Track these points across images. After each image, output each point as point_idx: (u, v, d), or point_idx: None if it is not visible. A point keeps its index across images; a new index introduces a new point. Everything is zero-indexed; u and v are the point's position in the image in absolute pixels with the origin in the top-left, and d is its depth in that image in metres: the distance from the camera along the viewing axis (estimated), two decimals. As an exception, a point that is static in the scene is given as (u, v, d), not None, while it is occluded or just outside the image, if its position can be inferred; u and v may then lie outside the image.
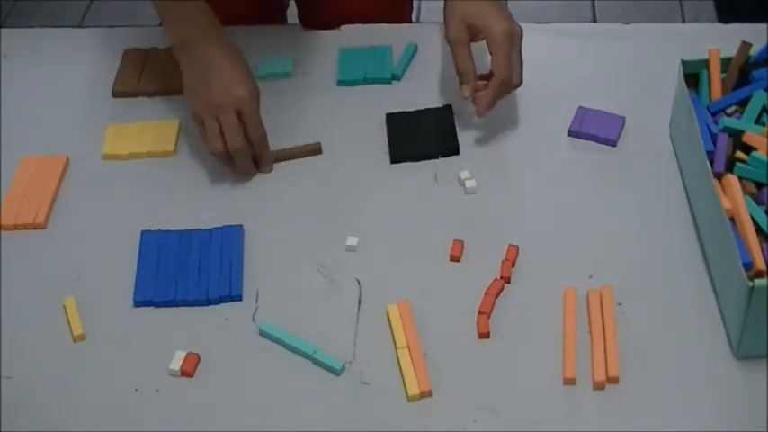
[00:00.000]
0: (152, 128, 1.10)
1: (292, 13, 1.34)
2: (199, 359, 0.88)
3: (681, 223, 0.97)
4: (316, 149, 1.07)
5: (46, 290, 0.94)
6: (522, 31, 1.02)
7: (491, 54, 1.01)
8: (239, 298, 0.93)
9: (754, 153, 0.91)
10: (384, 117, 1.09)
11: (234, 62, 1.02)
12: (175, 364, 0.87)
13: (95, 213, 1.02)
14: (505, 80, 1.01)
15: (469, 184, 1.01)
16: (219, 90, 1.00)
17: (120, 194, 1.04)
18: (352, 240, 0.96)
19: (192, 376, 0.87)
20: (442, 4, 1.07)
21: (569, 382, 0.85)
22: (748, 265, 0.83)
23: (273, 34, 1.22)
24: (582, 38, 1.20)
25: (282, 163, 1.06)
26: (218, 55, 1.02)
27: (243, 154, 1.01)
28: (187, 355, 0.87)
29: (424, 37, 1.19)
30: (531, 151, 1.05)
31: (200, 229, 0.98)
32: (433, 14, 1.27)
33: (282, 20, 1.35)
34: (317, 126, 1.10)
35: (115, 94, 1.15)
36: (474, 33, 1.03)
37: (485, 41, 1.02)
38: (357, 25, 1.23)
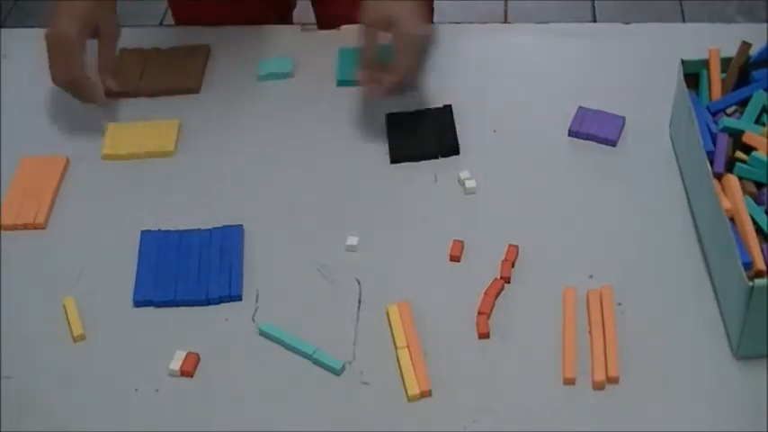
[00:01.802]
0: (152, 128, 1.10)
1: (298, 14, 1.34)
2: (199, 359, 0.88)
3: (681, 223, 0.97)
4: (191, 89, 1.12)
5: (46, 290, 0.94)
6: (431, 34, 1.02)
7: (395, 51, 1.01)
8: (239, 298, 0.93)
9: (754, 153, 0.91)
10: (384, 117, 1.09)
11: (71, 6, 1.05)
12: (175, 364, 0.87)
13: (95, 213, 1.02)
14: (398, 81, 1.01)
15: (469, 184, 1.01)
16: (50, 22, 1.04)
17: (120, 194, 1.04)
18: (352, 240, 0.96)
19: (191, 376, 0.87)
20: (444, 3, 1.06)
21: (569, 382, 0.85)
22: (748, 265, 0.83)
23: (273, 35, 1.22)
24: (582, 38, 1.20)
25: (282, 164, 1.06)
26: None
27: (60, 84, 1.06)
28: (187, 354, 0.87)
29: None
30: (531, 151, 1.05)
31: (199, 229, 0.98)
32: (438, 15, 1.27)
33: (288, 19, 1.34)
34: (316, 126, 1.10)
35: (108, 93, 1.15)
36: (386, 25, 1.02)
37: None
38: (357, 25, 1.22)
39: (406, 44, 1.00)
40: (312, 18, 1.34)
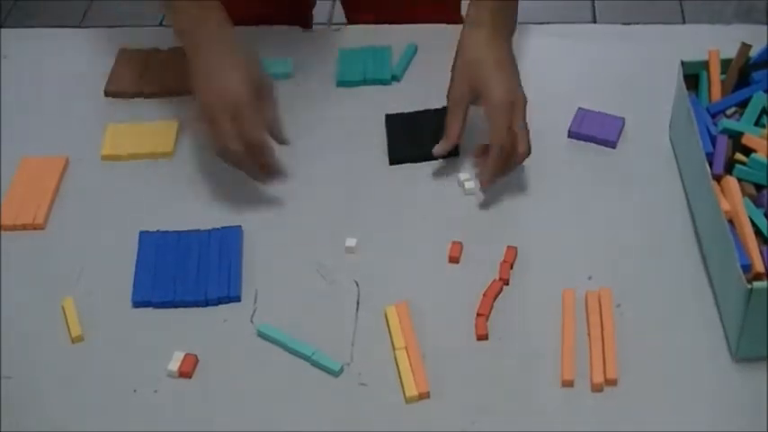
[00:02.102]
0: (151, 129, 1.10)
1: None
2: (197, 360, 0.88)
3: (680, 225, 0.97)
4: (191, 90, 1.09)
5: (45, 290, 0.94)
6: (525, 98, 0.98)
7: (488, 122, 0.97)
8: (238, 299, 0.93)
9: (753, 155, 0.91)
10: (383, 118, 1.09)
11: (234, 62, 0.97)
12: (174, 365, 0.87)
13: (94, 214, 1.02)
14: (503, 147, 0.96)
15: (469, 185, 1.01)
16: (213, 91, 0.96)
17: (120, 195, 1.04)
18: (351, 242, 0.96)
19: (190, 377, 0.87)
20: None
21: (567, 384, 0.85)
22: (747, 268, 0.83)
23: (273, 35, 1.21)
24: (582, 38, 1.20)
25: (282, 164, 1.06)
26: (219, 54, 0.98)
27: (239, 157, 0.96)
28: (185, 356, 0.87)
29: (423, 38, 1.18)
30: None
31: (198, 230, 0.98)
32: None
33: (308, 20, 1.33)
34: (316, 127, 1.10)
35: (107, 93, 1.15)
36: (475, 96, 0.98)
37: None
38: (357, 26, 1.23)
39: (500, 113, 0.95)
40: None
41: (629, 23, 1.23)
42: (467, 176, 1.02)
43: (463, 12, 1.23)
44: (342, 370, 0.86)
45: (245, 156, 0.96)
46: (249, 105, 0.96)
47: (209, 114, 0.96)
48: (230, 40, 0.99)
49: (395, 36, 1.19)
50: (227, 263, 0.95)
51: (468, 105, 0.99)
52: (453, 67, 1.00)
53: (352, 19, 1.31)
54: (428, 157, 1.05)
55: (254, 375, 0.87)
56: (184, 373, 0.87)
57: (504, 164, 0.97)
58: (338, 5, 1.34)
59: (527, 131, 0.97)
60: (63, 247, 0.99)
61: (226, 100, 0.95)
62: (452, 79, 1.00)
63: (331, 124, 1.10)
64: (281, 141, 0.99)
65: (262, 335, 0.90)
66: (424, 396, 0.84)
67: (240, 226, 0.99)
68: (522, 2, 1.05)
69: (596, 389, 0.84)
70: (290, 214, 1.01)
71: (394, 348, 0.88)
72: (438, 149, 1.00)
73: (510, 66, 0.99)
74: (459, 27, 1.18)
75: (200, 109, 0.97)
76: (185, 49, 1.00)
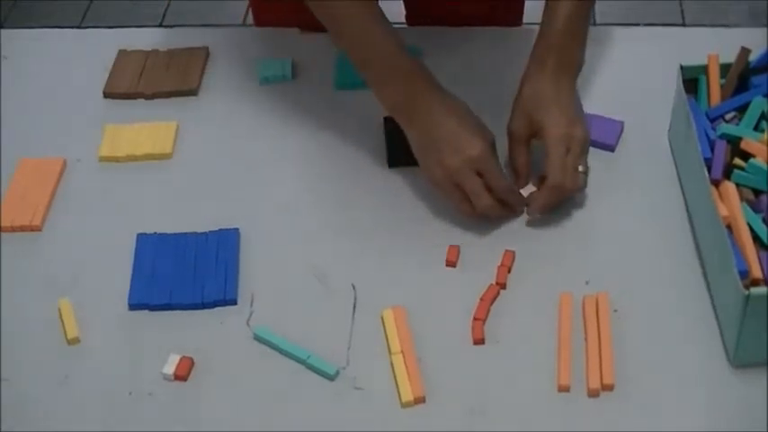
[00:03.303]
0: (150, 130, 1.10)
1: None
2: (192, 363, 0.87)
3: (678, 230, 0.96)
4: (190, 91, 1.12)
5: (41, 292, 0.94)
6: (585, 134, 0.97)
7: (546, 155, 0.96)
8: (234, 302, 0.93)
9: (752, 160, 0.91)
10: (382, 121, 1.09)
11: (459, 118, 0.96)
12: (169, 368, 0.87)
13: (92, 215, 1.02)
14: (558, 184, 0.95)
15: None
16: (451, 154, 0.94)
17: (117, 197, 1.04)
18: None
19: (185, 380, 0.87)
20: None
21: (564, 389, 0.84)
22: (744, 274, 0.83)
23: (272, 37, 1.21)
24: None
25: (279, 167, 1.06)
26: (442, 114, 0.95)
27: (493, 209, 0.96)
28: (181, 359, 0.87)
29: (426, 41, 1.18)
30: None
31: (196, 233, 0.98)
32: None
33: None
34: (314, 129, 1.10)
35: (106, 94, 1.15)
36: (534, 130, 0.98)
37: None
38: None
39: (556, 147, 0.95)
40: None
41: (628, 24, 1.22)
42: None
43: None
44: (337, 374, 0.86)
45: (497, 205, 0.96)
46: (492, 158, 0.96)
47: (457, 177, 0.94)
48: (447, 98, 0.97)
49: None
50: (223, 265, 0.95)
51: (529, 139, 0.99)
52: (515, 100, 1.01)
53: (413, 16, 1.31)
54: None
55: (249, 379, 0.87)
56: (179, 377, 0.87)
57: (555, 197, 0.97)
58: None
59: (578, 168, 0.96)
60: (60, 249, 0.99)
61: (472, 159, 0.94)
62: (513, 112, 1.00)
63: (329, 127, 1.10)
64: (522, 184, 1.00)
65: (258, 338, 0.89)
66: (419, 400, 0.84)
67: (237, 229, 0.98)
68: (524, 3, 1.05)
69: (593, 394, 0.84)
70: (287, 217, 1.00)
71: (390, 352, 0.87)
72: (520, 187, 1.00)
73: (569, 101, 0.99)
74: (463, 30, 1.19)
75: (443, 173, 0.95)
76: (403, 119, 0.98)
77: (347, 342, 0.89)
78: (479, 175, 0.94)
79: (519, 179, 1.00)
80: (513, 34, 1.20)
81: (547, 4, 1.02)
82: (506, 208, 0.97)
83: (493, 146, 0.96)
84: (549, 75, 0.99)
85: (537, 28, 1.10)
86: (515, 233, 0.97)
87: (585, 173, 0.98)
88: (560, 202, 0.98)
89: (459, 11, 1.21)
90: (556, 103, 0.97)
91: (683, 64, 0.99)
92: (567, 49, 1.00)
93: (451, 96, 0.98)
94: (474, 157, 0.94)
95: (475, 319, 0.89)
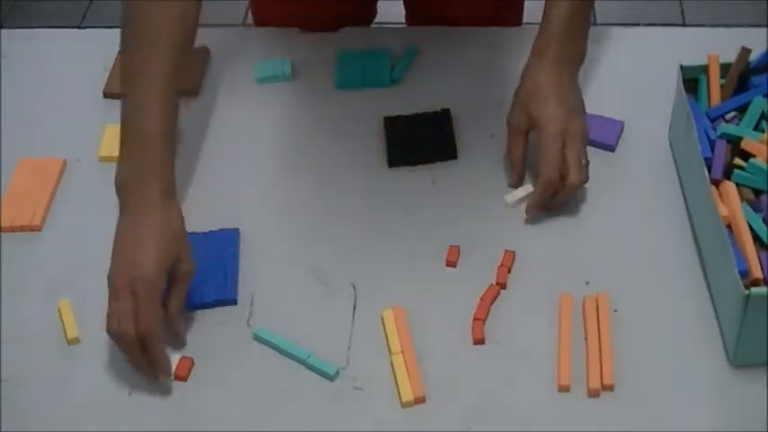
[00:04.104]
0: (150, 130, 1.10)
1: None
2: (192, 363, 0.87)
3: (678, 230, 0.96)
4: (190, 91, 1.11)
5: (41, 292, 0.94)
6: (582, 126, 0.96)
7: (540, 150, 0.96)
8: (234, 302, 0.93)
9: (752, 160, 0.91)
10: (382, 120, 1.09)
11: (156, 236, 0.86)
12: (173, 366, 0.86)
13: (91, 215, 1.02)
14: (550, 179, 0.94)
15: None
16: (115, 264, 0.86)
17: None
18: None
19: (185, 380, 0.87)
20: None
21: (564, 389, 0.84)
22: (744, 273, 0.83)
23: (272, 37, 1.21)
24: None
25: (279, 167, 1.06)
26: (145, 221, 0.87)
27: (125, 342, 0.84)
28: (181, 358, 0.87)
29: (423, 40, 1.18)
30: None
31: (195, 233, 0.98)
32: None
33: (372, 15, 1.32)
34: (315, 129, 1.09)
35: (106, 95, 1.15)
36: (531, 124, 0.98)
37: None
38: (356, 28, 1.22)
39: (551, 142, 0.94)
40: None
41: (628, 24, 1.22)
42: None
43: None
44: (337, 374, 0.86)
45: (134, 343, 0.84)
46: (159, 292, 0.85)
47: (119, 292, 0.84)
48: (167, 213, 0.89)
49: (394, 38, 1.19)
50: (223, 265, 0.95)
51: (526, 133, 0.99)
52: (515, 93, 1.00)
53: (413, 16, 1.31)
54: (427, 159, 1.05)
55: (249, 379, 0.87)
56: (179, 377, 0.86)
57: (552, 194, 0.96)
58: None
59: (579, 161, 0.95)
60: (60, 249, 0.99)
61: (133, 274, 0.84)
62: (512, 106, 1.00)
63: (330, 126, 1.10)
64: (173, 334, 0.88)
65: (258, 338, 0.89)
66: (419, 400, 0.84)
67: (237, 229, 0.98)
68: (524, 3, 1.05)
69: (593, 394, 0.84)
70: (287, 217, 1.00)
71: (390, 352, 0.87)
72: (511, 182, 1.00)
73: (568, 95, 0.98)
74: (461, 30, 1.19)
75: (109, 279, 0.86)
76: (119, 205, 0.90)
77: (347, 342, 0.89)
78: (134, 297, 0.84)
79: (514, 170, 1.00)
80: (512, 34, 1.20)
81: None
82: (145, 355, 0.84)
83: (157, 285, 0.84)
84: (548, 67, 0.98)
85: (536, 28, 1.10)
86: (515, 233, 0.97)
87: (587, 165, 0.98)
88: (565, 201, 0.98)
89: (459, 11, 1.21)
90: (554, 97, 0.97)
91: (683, 64, 0.99)
92: (567, 41, 1.00)
93: (171, 219, 0.89)
94: (137, 276, 0.84)
95: (475, 319, 0.89)
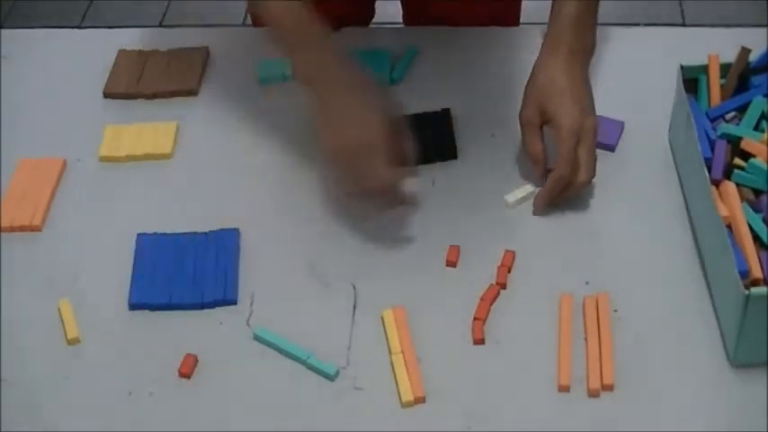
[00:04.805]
0: (150, 130, 1.10)
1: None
2: (196, 361, 0.87)
3: (679, 230, 0.96)
4: (190, 91, 1.12)
5: (41, 292, 0.94)
6: (595, 123, 0.96)
7: (557, 146, 0.96)
8: (234, 302, 0.93)
9: (752, 160, 0.91)
10: (382, 120, 1.09)
11: (362, 95, 0.95)
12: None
13: (91, 215, 1.02)
14: (563, 176, 0.95)
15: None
16: (341, 133, 0.93)
17: (117, 197, 1.04)
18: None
19: (189, 378, 0.87)
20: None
21: (564, 389, 0.84)
22: (745, 274, 0.83)
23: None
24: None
25: (279, 167, 1.06)
26: (342, 91, 0.95)
27: (371, 196, 0.95)
28: (185, 356, 0.87)
29: (423, 40, 1.18)
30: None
31: (195, 233, 0.98)
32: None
33: (370, 16, 1.33)
34: (314, 129, 1.09)
35: (106, 94, 1.15)
36: (545, 119, 0.98)
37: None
38: (356, 28, 1.22)
39: (567, 137, 0.94)
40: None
41: (628, 24, 1.22)
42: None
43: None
44: (337, 374, 0.86)
45: (376, 195, 0.95)
46: (384, 142, 0.92)
47: (347, 154, 0.93)
48: (355, 74, 0.96)
49: (394, 39, 1.19)
50: (223, 266, 0.95)
51: (540, 126, 0.99)
52: (526, 87, 1.00)
53: (411, 16, 1.31)
54: (426, 159, 1.05)
55: (249, 379, 0.87)
56: (184, 374, 0.86)
57: (562, 191, 0.97)
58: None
59: (591, 159, 0.96)
60: (60, 249, 0.99)
61: (363, 137, 0.92)
62: (524, 100, 1.00)
63: (329, 126, 1.09)
64: (411, 174, 0.97)
65: (258, 338, 0.89)
66: (419, 400, 0.84)
67: (237, 228, 0.98)
68: (522, 2, 1.05)
69: (593, 394, 0.84)
70: (287, 217, 1.00)
71: (390, 352, 0.87)
72: (537, 172, 1.00)
73: (582, 91, 0.98)
74: (461, 30, 1.19)
75: (335, 148, 0.94)
76: (310, 91, 0.97)
77: (347, 342, 0.89)
78: (369, 156, 0.92)
79: (537, 166, 0.99)
80: (512, 34, 1.20)
81: None
82: (384, 196, 0.95)
83: (382, 140, 0.92)
84: (562, 62, 0.98)
85: (535, 28, 1.11)
86: (515, 233, 0.97)
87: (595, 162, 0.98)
88: (569, 195, 0.98)
89: (456, 11, 1.21)
90: (569, 93, 0.97)
91: (683, 64, 0.99)
92: (579, 34, 1.00)
93: (360, 73, 0.97)
94: (364, 137, 0.92)
95: (475, 319, 0.89)
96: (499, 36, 1.19)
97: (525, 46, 1.03)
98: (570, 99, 0.97)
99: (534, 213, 0.98)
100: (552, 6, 1.02)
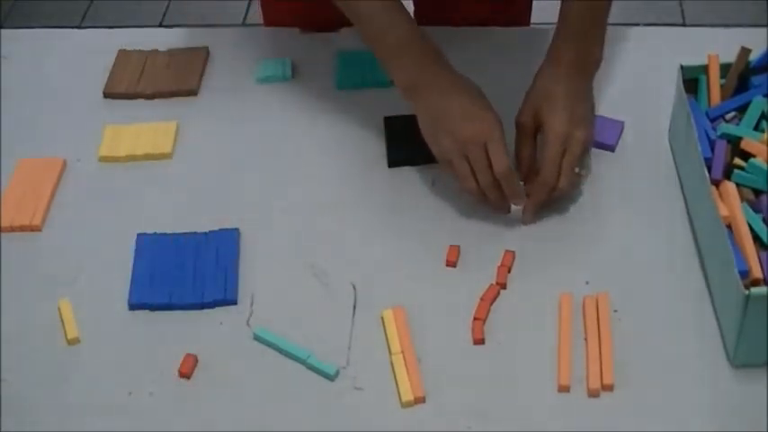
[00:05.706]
0: (150, 130, 1.10)
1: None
2: (197, 361, 0.87)
3: (678, 230, 0.96)
4: (190, 91, 1.12)
5: (41, 292, 0.94)
6: (586, 135, 0.97)
7: (542, 152, 0.97)
8: (234, 302, 0.93)
9: (752, 160, 0.91)
10: (382, 120, 1.09)
11: (471, 96, 0.97)
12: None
13: (91, 215, 1.02)
14: (547, 182, 0.96)
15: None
16: (462, 127, 0.95)
17: (117, 197, 1.04)
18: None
19: (189, 378, 0.87)
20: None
21: (564, 389, 0.84)
22: (745, 274, 0.83)
23: (272, 37, 1.22)
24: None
25: (279, 168, 1.06)
26: (453, 92, 0.97)
27: (494, 188, 0.96)
28: (185, 356, 0.87)
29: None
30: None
31: (195, 233, 0.98)
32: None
33: None
34: (315, 129, 1.10)
35: (106, 94, 1.15)
36: (538, 125, 0.99)
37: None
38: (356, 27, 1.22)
39: (553, 144, 0.95)
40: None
41: (628, 24, 1.22)
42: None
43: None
44: (337, 374, 0.86)
45: (497, 186, 0.95)
46: (501, 137, 0.95)
47: (466, 149, 0.95)
48: (460, 77, 0.99)
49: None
50: (223, 265, 0.95)
51: (534, 133, 0.99)
52: (526, 93, 1.01)
53: (423, 17, 1.31)
54: (427, 159, 1.05)
55: (250, 379, 0.87)
56: (184, 374, 0.86)
57: (544, 195, 0.97)
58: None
59: (573, 170, 0.96)
60: (60, 249, 0.99)
61: (483, 131, 0.94)
62: (522, 106, 1.01)
63: (330, 126, 1.10)
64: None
65: (258, 338, 0.89)
66: (419, 400, 0.84)
67: (237, 228, 0.98)
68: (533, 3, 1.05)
69: (593, 394, 0.84)
70: (287, 217, 1.00)
71: (390, 352, 0.87)
72: (521, 176, 1.00)
73: (578, 102, 0.98)
74: (462, 30, 1.18)
75: (453, 143, 0.95)
76: (415, 93, 0.98)
77: (347, 342, 0.89)
78: (492, 144, 0.94)
79: (520, 170, 1.00)
80: (514, 34, 1.20)
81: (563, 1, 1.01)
82: (502, 194, 0.96)
83: (500, 129, 0.95)
84: (562, 72, 0.99)
85: (544, 28, 1.11)
86: (515, 233, 0.97)
87: (584, 174, 0.98)
88: (553, 202, 0.98)
89: (467, 12, 1.21)
90: (563, 102, 0.97)
91: (683, 64, 0.99)
92: (583, 46, 1.00)
93: (464, 77, 0.99)
94: (485, 129, 0.94)
95: (475, 319, 0.89)
96: (501, 36, 1.20)
97: (528, 46, 1.03)
98: (563, 107, 0.97)
99: (524, 224, 0.98)
100: (560, 12, 1.02)
